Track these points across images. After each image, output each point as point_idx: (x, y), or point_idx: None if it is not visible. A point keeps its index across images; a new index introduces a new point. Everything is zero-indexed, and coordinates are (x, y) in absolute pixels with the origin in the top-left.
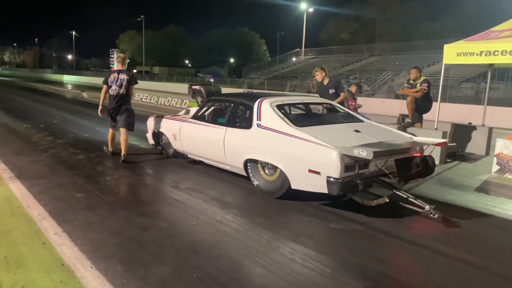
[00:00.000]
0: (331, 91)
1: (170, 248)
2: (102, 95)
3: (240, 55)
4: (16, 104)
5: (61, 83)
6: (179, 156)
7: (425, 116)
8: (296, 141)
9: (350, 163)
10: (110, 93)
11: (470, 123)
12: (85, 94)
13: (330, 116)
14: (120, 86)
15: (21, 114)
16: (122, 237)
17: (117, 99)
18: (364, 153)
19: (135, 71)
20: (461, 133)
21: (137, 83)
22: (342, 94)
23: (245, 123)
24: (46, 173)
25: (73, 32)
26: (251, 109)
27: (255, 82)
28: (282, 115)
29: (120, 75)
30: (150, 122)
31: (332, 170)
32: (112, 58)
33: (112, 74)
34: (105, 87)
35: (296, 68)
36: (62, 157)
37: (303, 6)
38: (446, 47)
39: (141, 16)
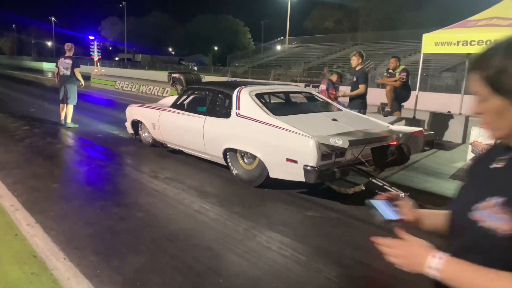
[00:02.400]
0: (354, 79)
1: (146, 238)
2: (55, 75)
3: (225, 43)
4: None
5: (40, 71)
6: (159, 146)
7: (405, 105)
8: (274, 130)
9: (327, 152)
10: (59, 74)
11: (449, 112)
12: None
13: (309, 105)
14: (66, 69)
15: None
16: (98, 227)
17: (63, 79)
18: (340, 142)
19: (117, 58)
20: (439, 121)
21: (79, 67)
22: (360, 86)
23: (224, 112)
24: (22, 163)
25: (53, 18)
26: (230, 97)
27: (239, 70)
28: (260, 104)
29: (65, 60)
30: (129, 111)
31: (309, 159)
32: (93, 46)
33: (60, 59)
34: (56, 69)
35: (281, 57)
36: (39, 147)
37: None
38: (425, 36)
39: (123, 2)
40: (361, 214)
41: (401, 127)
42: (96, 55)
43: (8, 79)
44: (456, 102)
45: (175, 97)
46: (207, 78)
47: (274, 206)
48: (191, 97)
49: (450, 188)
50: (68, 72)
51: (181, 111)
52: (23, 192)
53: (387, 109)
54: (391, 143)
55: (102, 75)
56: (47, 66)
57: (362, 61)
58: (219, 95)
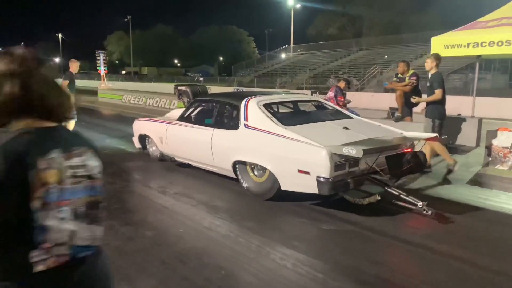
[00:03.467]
0: (428, 83)
1: (156, 259)
2: None
3: (229, 53)
4: None
5: None
6: (167, 160)
7: (416, 109)
8: (284, 140)
9: (340, 162)
10: None
11: (459, 115)
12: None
13: (318, 114)
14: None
15: None
16: (106, 249)
17: None
18: (353, 151)
19: (123, 72)
20: (451, 125)
21: (66, 79)
22: (436, 92)
23: (232, 123)
24: None
25: (60, 35)
26: (237, 109)
27: (245, 79)
28: (269, 114)
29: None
30: (136, 125)
31: (322, 170)
32: (99, 60)
33: None
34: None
35: (286, 65)
36: None
37: (290, 2)
38: (434, 39)
39: (128, 17)
40: (378, 226)
41: (414, 134)
42: (102, 70)
43: None
44: (465, 105)
45: (182, 109)
46: (213, 89)
47: (287, 220)
48: (198, 109)
49: (467, 194)
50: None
51: (188, 124)
52: None
53: (398, 114)
54: (406, 150)
55: (109, 89)
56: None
57: (437, 64)
58: (227, 106)
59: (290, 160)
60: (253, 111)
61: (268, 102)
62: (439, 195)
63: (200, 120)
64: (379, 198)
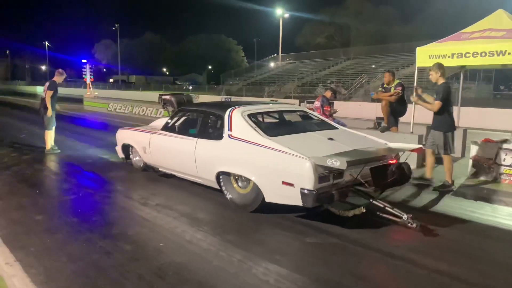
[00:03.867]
0: (434, 95)
1: (133, 274)
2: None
3: (218, 61)
4: None
5: (34, 95)
6: (150, 170)
7: (402, 119)
8: (268, 151)
9: (324, 174)
10: (41, 97)
11: None
12: (57, 106)
13: (303, 124)
14: (43, 91)
15: None
16: (82, 263)
17: (41, 103)
18: (337, 163)
19: (111, 80)
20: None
21: (51, 89)
22: (435, 102)
23: (216, 133)
24: (6, 193)
25: (46, 43)
26: (222, 119)
27: (233, 88)
28: (253, 125)
29: (46, 82)
30: (119, 135)
31: (306, 182)
32: (85, 68)
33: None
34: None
35: (274, 74)
36: (25, 175)
37: (278, 11)
38: (419, 49)
39: (116, 25)
40: (362, 238)
41: (399, 145)
42: (88, 78)
43: (0, 105)
44: (455, 115)
45: (167, 119)
46: (201, 98)
47: (270, 233)
48: (182, 119)
49: (452, 206)
50: (44, 95)
51: (172, 133)
52: (5, 225)
53: (384, 124)
54: (390, 162)
55: (95, 97)
56: (41, 90)
57: (442, 73)
58: (211, 116)
59: (274, 171)
60: (237, 121)
61: (252, 112)
62: (424, 206)
63: (183, 129)
64: (364, 210)
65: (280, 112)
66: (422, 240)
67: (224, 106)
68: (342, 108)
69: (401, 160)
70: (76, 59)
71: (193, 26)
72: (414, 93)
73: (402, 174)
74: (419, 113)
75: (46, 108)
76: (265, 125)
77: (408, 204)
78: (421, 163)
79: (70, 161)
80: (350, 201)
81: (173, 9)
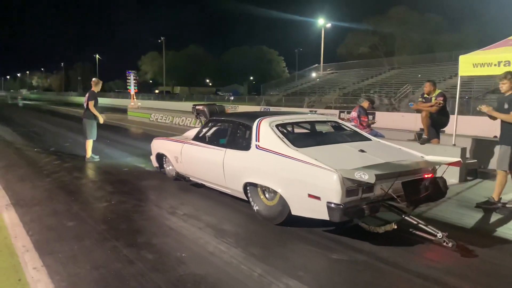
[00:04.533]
0: (505, 105)
1: (152, 284)
2: None
3: (259, 72)
4: (35, 127)
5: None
6: (182, 179)
7: (448, 130)
8: (294, 163)
9: (352, 187)
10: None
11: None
12: (103, 116)
13: (334, 135)
14: (84, 102)
15: (36, 137)
16: (104, 271)
17: (83, 113)
18: (365, 176)
19: (156, 91)
20: (482, 148)
21: (92, 99)
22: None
23: (244, 144)
24: (43, 199)
25: (97, 55)
26: (250, 129)
27: (273, 99)
28: (281, 135)
29: (86, 94)
30: (154, 144)
31: (333, 195)
32: (129, 80)
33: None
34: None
35: (315, 84)
36: (64, 182)
37: (320, 22)
38: (462, 58)
39: (162, 38)
40: (392, 257)
41: (437, 158)
42: (132, 89)
43: (51, 114)
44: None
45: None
46: (241, 108)
47: (295, 247)
48: (213, 129)
49: (496, 225)
50: (85, 105)
51: (202, 143)
52: (38, 231)
53: (424, 136)
54: (425, 176)
55: (138, 108)
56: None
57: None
58: (240, 126)
59: (300, 183)
60: (265, 131)
61: (281, 122)
62: (464, 224)
63: (213, 139)
64: (396, 227)
65: (312, 123)
66: (458, 261)
67: (253, 116)
68: (384, 118)
69: (438, 174)
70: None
71: (236, 38)
72: (484, 106)
73: (436, 189)
74: (468, 124)
75: (87, 118)
76: (294, 136)
77: (446, 221)
78: (464, 178)
79: (108, 170)
80: (382, 217)
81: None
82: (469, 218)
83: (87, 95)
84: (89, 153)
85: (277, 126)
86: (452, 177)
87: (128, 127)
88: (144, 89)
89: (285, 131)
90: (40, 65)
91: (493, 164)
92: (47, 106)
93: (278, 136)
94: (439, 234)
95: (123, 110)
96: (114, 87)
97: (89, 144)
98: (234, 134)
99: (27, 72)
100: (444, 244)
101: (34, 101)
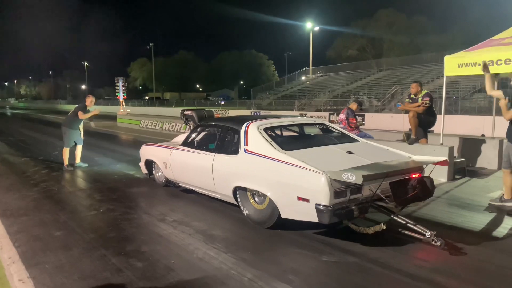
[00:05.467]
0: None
1: None
2: None
3: (250, 76)
4: (22, 136)
5: None
6: (171, 185)
7: (436, 130)
8: (283, 166)
9: (341, 189)
10: None
11: (483, 135)
12: (92, 124)
13: (322, 137)
14: (74, 112)
15: (24, 146)
16: (92, 281)
17: (64, 119)
18: (353, 178)
19: (146, 97)
20: (470, 146)
21: (82, 110)
22: None
23: (233, 148)
24: (31, 209)
25: (85, 63)
26: (238, 133)
27: (263, 102)
28: (269, 139)
29: (77, 105)
30: (143, 150)
31: (321, 197)
32: (118, 86)
33: None
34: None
35: (305, 87)
36: (52, 191)
37: (309, 25)
38: (447, 58)
39: (151, 44)
40: (382, 257)
41: (424, 158)
42: (121, 96)
43: (40, 123)
44: (489, 124)
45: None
46: (231, 112)
47: (285, 251)
48: (201, 134)
49: (484, 222)
50: (68, 115)
51: (191, 148)
52: (25, 242)
53: (412, 136)
54: (412, 176)
55: (127, 114)
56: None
57: None
58: (228, 131)
59: (288, 186)
60: (253, 135)
61: (269, 126)
62: (453, 223)
63: (202, 145)
64: (385, 227)
65: (300, 125)
66: (447, 260)
67: (241, 120)
68: (374, 120)
69: (426, 174)
70: (113, 78)
71: (225, 42)
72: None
73: (424, 189)
74: (456, 123)
75: (66, 126)
76: (282, 139)
77: (435, 220)
78: (452, 177)
79: (96, 177)
80: (372, 218)
81: (204, 27)
82: (458, 216)
83: (78, 107)
84: (66, 161)
85: (265, 129)
86: (440, 176)
87: (117, 134)
88: (134, 96)
89: (273, 134)
90: (28, 73)
91: (480, 162)
92: (36, 115)
93: (266, 139)
94: (428, 233)
95: (113, 117)
96: (104, 94)
97: (66, 152)
98: (222, 139)
99: (15, 81)
100: (433, 243)
101: (23, 110)
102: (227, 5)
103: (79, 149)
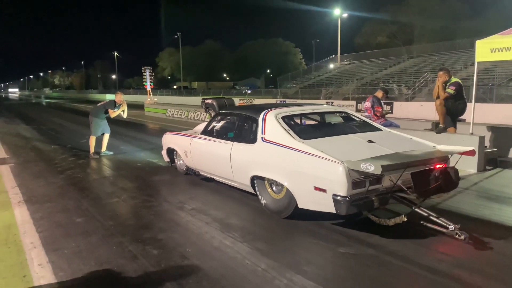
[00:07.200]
0: None
1: (154, 280)
2: None
3: (276, 65)
4: (53, 125)
5: None
6: (191, 173)
7: (467, 119)
8: (300, 155)
9: (359, 179)
10: None
11: None
12: (123, 114)
13: (343, 126)
14: (102, 103)
15: (54, 135)
16: (108, 267)
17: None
18: (372, 168)
19: (174, 87)
20: (503, 136)
21: (111, 107)
22: None
23: (251, 137)
24: (55, 196)
25: (115, 53)
26: (256, 122)
27: (290, 91)
28: (287, 127)
29: (106, 102)
30: (165, 139)
31: (338, 187)
32: (145, 76)
33: None
34: None
35: (332, 75)
36: (77, 179)
37: (336, 12)
38: (478, 43)
39: (178, 33)
40: (401, 250)
41: (449, 147)
42: (148, 85)
43: (70, 112)
44: None
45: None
46: (257, 101)
47: (302, 241)
48: (220, 123)
49: None
50: (97, 104)
51: (210, 137)
52: (47, 228)
53: (440, 125)
54: (436, 166)
55: (154, 104)
56: (110, 97)
57: None
58: (246, 119)
59: (306, 176)
60: (270, 124)
61: (287, 114)
62: (480, 216)
63: (220, 133)
64: (405, 219)
65: (321, 114)
66: (471, 254)
67: (260, 108)
68: (403, 108)
69: (452, 164)
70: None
71: (251, 31)
72: None
73: (447, 180)
74: (491, 111)
75: (93, 116)
76: (300, 128)
77: (461, 213)
78: (483, 167)
79: (120, 165)
80: (393, 209)
81: (231, 16)
82: (486, 209)
83: (108, 103)
84: (92, 149)
85: (283, 118)
86: (470, 166)
87: (144, 123)
88: (163, 85)
89: (292, 123)
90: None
91: None
92: (68, 104)
93: (284, 128)
94: (451, 226)
95: (141, 107)
96: (134, 84)
97: (93, 140)
98: (240, 127)
99: (49, 71)
100: (457, 236)
101: (56, 99)
102: None
103: (106, 138)
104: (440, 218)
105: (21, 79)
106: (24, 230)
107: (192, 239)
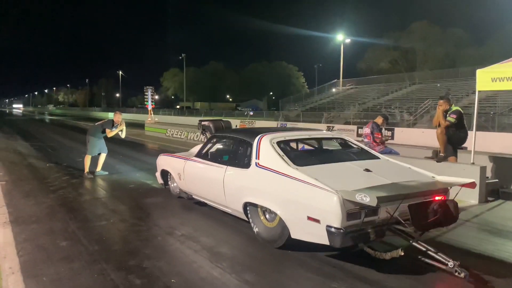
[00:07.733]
0: None
1: None
2: None
3: (279, 88)
4: (52, 142)
5: None
6: (184, 197)
7: (482, 147)
8: (293, 182)
9: (354, 210)
10: None
11: None
12: (122, 134)
13: (339, 153)
14: (100, 124)
15: (51, 152)
16: None
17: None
18: (367, 199)
19: (177, 107)
20: (505, 166)
21: (108, 127)
22: None
23: (245, 161)
24: (43, 217)
25: (120, 72)
26: (251, 146)
27: (291, 114)
28: (281, 153)
29: (103, 121)
30: (159, 160)
31: (332, 218)
32: (146, 95)
33: None
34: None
35: (334, 99)
36: (68, 199)
37: (340, 37)
38: (479, 72)
39: (183, 55)
40: (398, 287)
41: (449, 178)
42: (150, 104)
43: (71, 129)
44: None
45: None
46: (257, 123)
47: (293, 275)
48: (215, 145)
49: None
50: (95, 124)
51: (204, 160)
52: (29, 251)
53: (440, 154)
54: (435, 198)
55: (154, 123)
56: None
57: None
58: (241, 143)
59: (299, 205)
60: (265, 148)
61: (283, 139)
62: (482, 251)
63: (215, 156)
64: (402, 253)
65: (317, 140)
66: None
67: (255, 132)
68: (404, 135)
69: (451, 196)
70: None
71: (255, 53)
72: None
73: (446, 213)
74: (492, 141)
75: (90, 135)
76: (295, 154)
77: (462, 247)
78: (484, 199)
79: (114, 186)
80: (390, 242)
81: (236, 38)
82: (488, 243)
83: (106, 122)
84: (86, 168)
85: (278, 143)
86: (471, 197)
87: (143, 142)
88: (166, 105)
89: (288, 148)
90: (66, 81)
91: None
92: (70, 121)
93: (278, 153)
94: (450, 263)
95: (142, 126)
96: (137, 103)
97: (88, 159)
98: (235, 151)
99: (54, 88)
100: (456, 274)
101: (59, 116)
102: (258, 18)
103: (102, 157)
104: (439, 253)
105: (26, 95)
106: (4, 253)
107: (178, 269)
